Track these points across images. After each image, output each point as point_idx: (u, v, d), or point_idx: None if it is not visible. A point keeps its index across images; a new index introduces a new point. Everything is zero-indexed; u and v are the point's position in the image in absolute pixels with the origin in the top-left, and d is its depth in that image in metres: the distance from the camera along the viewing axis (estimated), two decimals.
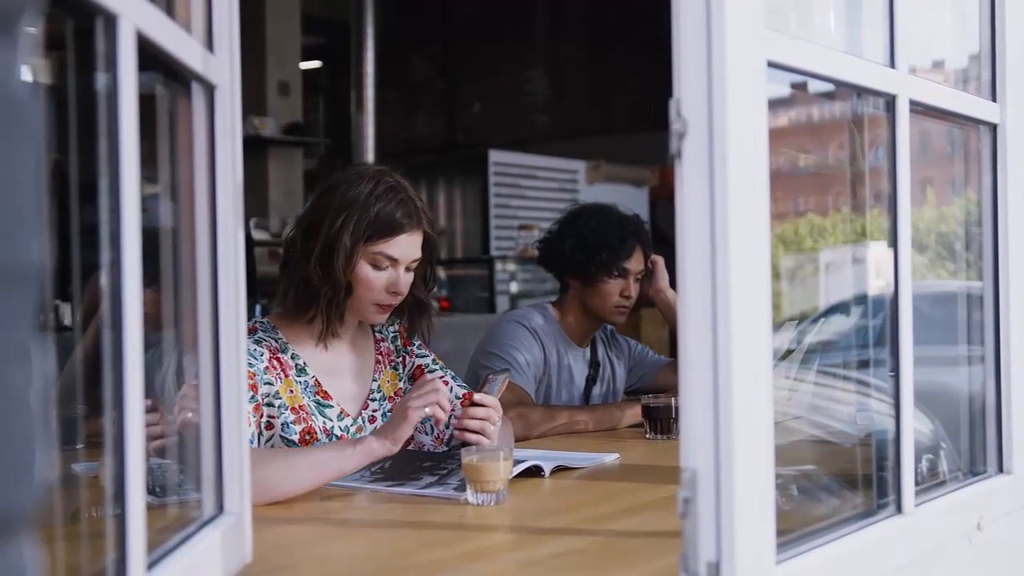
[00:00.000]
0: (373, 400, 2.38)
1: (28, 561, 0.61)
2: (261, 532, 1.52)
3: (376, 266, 2.23)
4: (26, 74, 0.62)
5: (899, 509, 1.54)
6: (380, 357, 2.43)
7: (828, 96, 1.75)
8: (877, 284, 1.90)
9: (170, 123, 1.36)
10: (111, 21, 1.01)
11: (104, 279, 1.02)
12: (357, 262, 2.22)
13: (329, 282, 2.21)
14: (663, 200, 8.48)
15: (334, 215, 2.21)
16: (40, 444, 0.60)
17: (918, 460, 1.66)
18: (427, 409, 2.03)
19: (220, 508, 1.40)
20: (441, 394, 2.05)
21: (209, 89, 1.37)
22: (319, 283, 2.22)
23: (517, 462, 2.07)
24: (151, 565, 1.11)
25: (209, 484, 1.39)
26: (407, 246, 2.25)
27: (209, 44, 1.37)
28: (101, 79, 1.03)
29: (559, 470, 2.22)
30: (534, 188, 8.54)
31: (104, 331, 1.03)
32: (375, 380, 2.40)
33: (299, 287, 2.25)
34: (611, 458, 2.39)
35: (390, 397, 2.40)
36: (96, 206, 1.04)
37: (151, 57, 1.13)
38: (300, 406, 2.23)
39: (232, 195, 1.41)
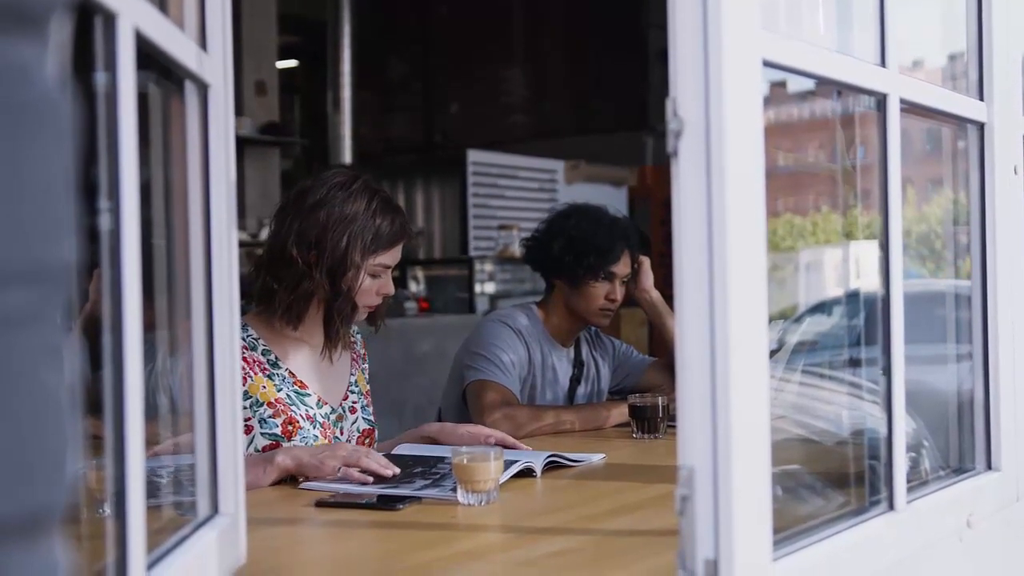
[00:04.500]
0: (352, 392, 2.47)
1: (60, 558, 0.61)
2: (255, 534, 1.51)
3: (373, 275, 2.34)
4: (56, 73, 0.62)
5: (891, 506, 1.55)
6: (354, 355, 2.52)
7: (809, 95, 1.76)
8: (859, 283, 1.91)
9: (163, 122, 1.35)
10: (110, 20, 1.01)
11: (104, 279, 1.01)
12: (363, 277, 2.31)
13: (340, 296, 2.30)
14: (641, 199, 8.50)
15: (337, 231, 2.28)
16: (72, 442, 0.60)
17: None
18: (340, 470, 2.06)
19: (215, 509, 1.39)
20: (367, 463, 2.07)
21: (203, 88, 1.36)
22: (328, 298, 2.31)
23: (508, 463, 2.07)
24: (150, 566, 1.10)
25: (204, 485, 1.38)
26: (399, 253, 2.38)
27: (203, 43, 1.37)
28: (100, 78, 1.02)
29: (551, 468, 2.23)
30: (513, 188, 8.53)
31: (91, 329, 1.03)
32: (352, 375, 2.49)
33: (302, 299, 2.30)
34: (598, 458, 2.40)
35: (365, 392, 2.51)
36: (93, 205, 1.03)
37: (145, 56, 1.13)
38: (276, 399, 2.29)
39: (225, 195, 1.40)
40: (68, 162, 0.62)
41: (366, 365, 2.58)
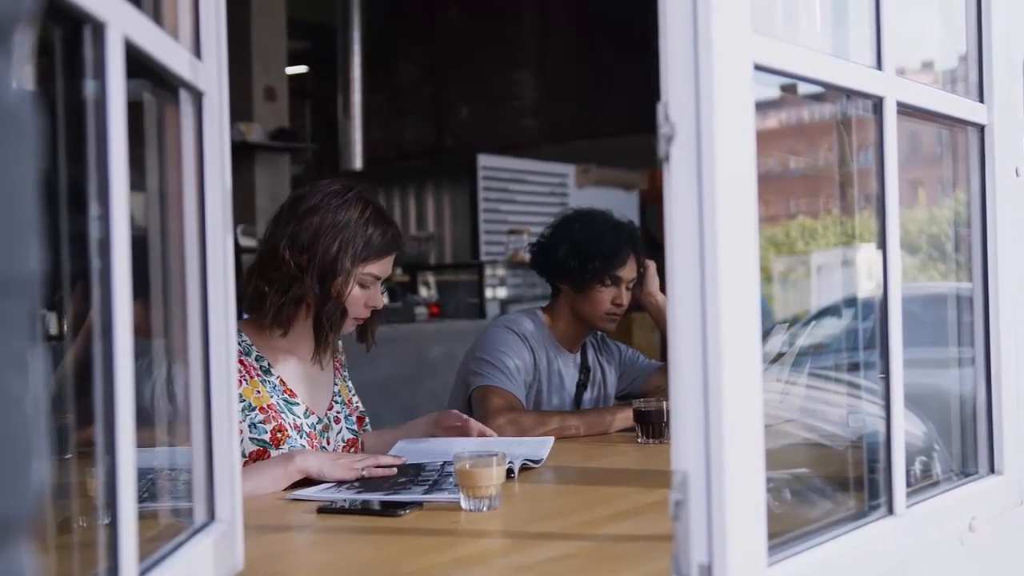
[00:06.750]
0: (337, 403, 2.49)
1: (26, 567, 0.61)
2: (252, 540, 1.52)
3: (362, 285, 2.36)
4: (21, 82, 0.62)
5: (891, 510, 1.54)
6: (338, 365, 2.55)
7: (817, 98, 1.75)
8: (868, 286, 1.91)
9: (158, 130, 1.35)
10: (99, 29, 1.01)
11: (94, 288, 1.02)
12: (353, 284, 2.33)
13: (329, 302, 2.32)
14: (652, 204, 8.48)
15: (329, 236, 2.31)
16: (37, 451, 0.61)
17: (911, 462, 1.66)
18: (364, 472, 2.18)
19: (211, 516, 1.39)
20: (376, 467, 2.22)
21: (197, 96, 1.37)
22: (318, 303, 2.33)
23: None
24: (143, 573, 1.10)
25: (200, 492, 1.39)
26: (390, 265, 2.41)
27: (197, 51, 1.37)
28: (89, 86, 1.03)
29: (524, 469, 2.27)
30: (523, 192, 8.52)
31: (93, 340, 1.03)
32: (336, 385, 2.51)
33: (291, 303, 2.33)
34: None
35: (347, 402, 2.53)
36: (84, 214, 1.04)
37: (138, 64, 1.13)
38: (268, 405, 2.31)
39: (221, 202, 1.41)
40: (33, 173, 0.62)
41: (346, 372, 2.60)
